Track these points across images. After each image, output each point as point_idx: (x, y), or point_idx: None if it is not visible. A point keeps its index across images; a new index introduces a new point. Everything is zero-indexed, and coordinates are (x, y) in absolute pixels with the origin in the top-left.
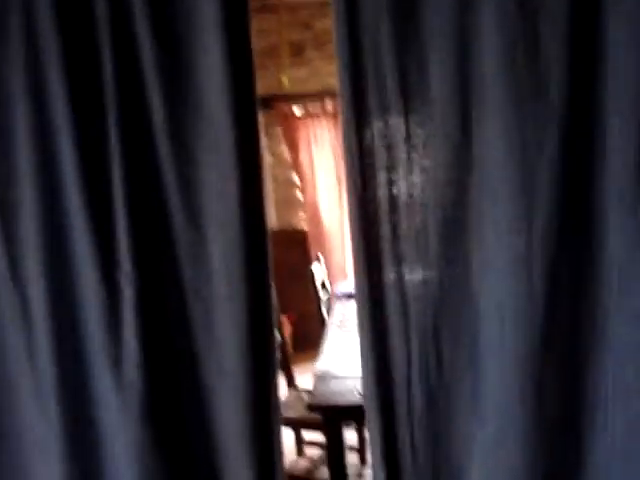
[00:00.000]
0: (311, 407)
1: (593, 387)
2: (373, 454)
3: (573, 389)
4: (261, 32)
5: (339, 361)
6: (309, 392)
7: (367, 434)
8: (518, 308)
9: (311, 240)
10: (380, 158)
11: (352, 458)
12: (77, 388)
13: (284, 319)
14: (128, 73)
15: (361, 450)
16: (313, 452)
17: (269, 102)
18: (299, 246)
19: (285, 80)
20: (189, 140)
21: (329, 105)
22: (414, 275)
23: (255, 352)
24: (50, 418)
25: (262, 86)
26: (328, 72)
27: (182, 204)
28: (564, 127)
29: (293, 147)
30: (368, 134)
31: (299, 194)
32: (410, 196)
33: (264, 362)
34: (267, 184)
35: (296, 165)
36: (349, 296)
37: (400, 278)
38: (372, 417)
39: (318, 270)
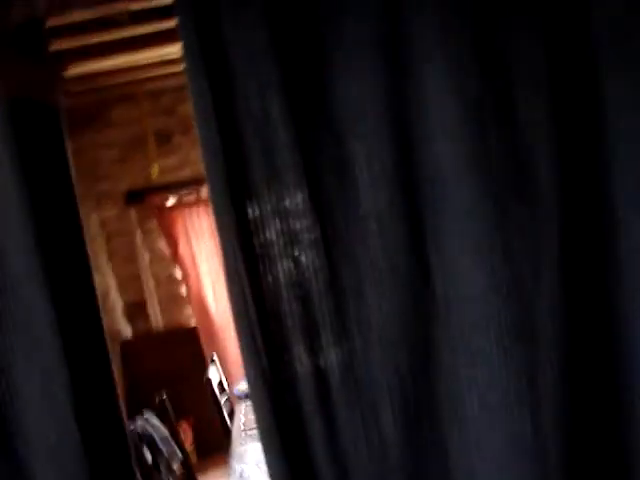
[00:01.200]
0: None
1: None
2: None
3: None
4: (123, 123)
5: (252, 477)
6: None
7: None
8: None
9: (202, 337)
10: (292, 317)
11: None
12: None
13: (183, 425)
14: None
15: None
16: None
17: (140, 196)
18: (190, 345)
19: (155, 171)
20: None
21: (204, 192)
22: None
23: None
24: None
25: (131, 180)
26: (198, 158)
27: None
28: (565, 232)
29: (171, 240)
30: (269, 278)
31: (184, 289)
32: (345, 370)
33: None
34: (147, 283)
35: (177, 259)
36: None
37: None
38: None
39: (214, 373)
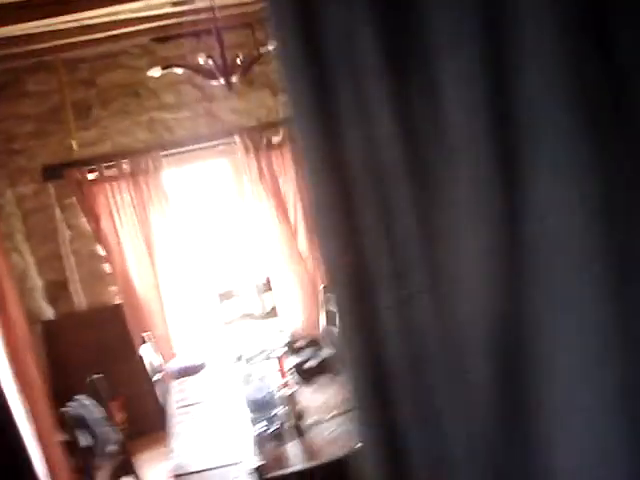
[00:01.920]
0: None
1: None
2: None
3: None
4: (39, 94)
5: (193, 455)
6: None
7: None
8: None
9: (128, 314)
10: (378, 261)
11: None
12: None
13: (115, 406)
14: None
15: None
16: None
17: (59, 171)
18: (115, 322)
19: (74, 144)
20: None
21: (126, 166)
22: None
23: None
24: None
25: (48, 154)
26: (119, 131)
27: None
28: None
29: (92, 216)
30: (357, 216)
31: (107, 266)
32: (433, 324)
33: None
34: (68, 261)
35: (98, 235)
36: (184, 373)
37: None
38: None
39: (146, 350)
